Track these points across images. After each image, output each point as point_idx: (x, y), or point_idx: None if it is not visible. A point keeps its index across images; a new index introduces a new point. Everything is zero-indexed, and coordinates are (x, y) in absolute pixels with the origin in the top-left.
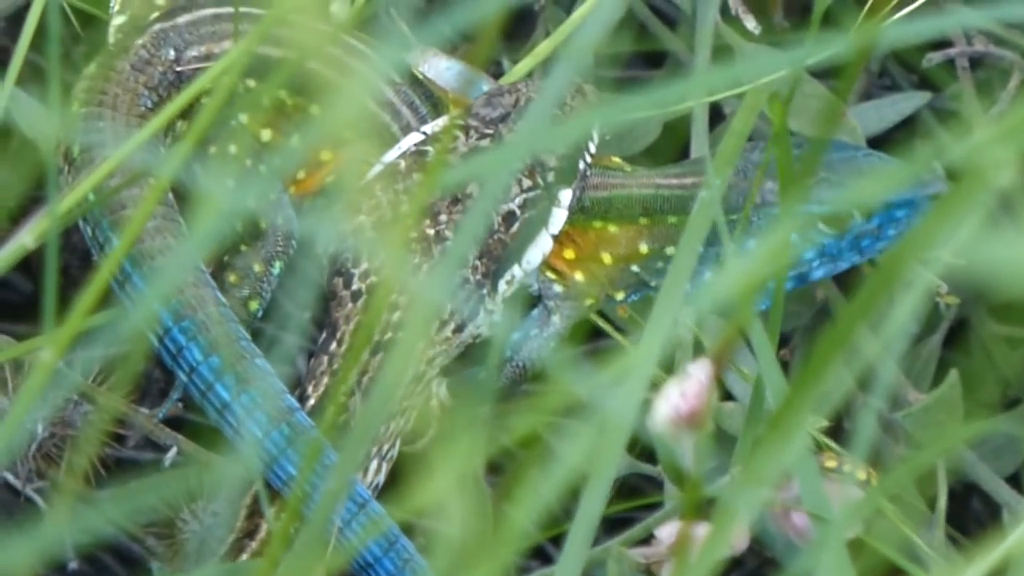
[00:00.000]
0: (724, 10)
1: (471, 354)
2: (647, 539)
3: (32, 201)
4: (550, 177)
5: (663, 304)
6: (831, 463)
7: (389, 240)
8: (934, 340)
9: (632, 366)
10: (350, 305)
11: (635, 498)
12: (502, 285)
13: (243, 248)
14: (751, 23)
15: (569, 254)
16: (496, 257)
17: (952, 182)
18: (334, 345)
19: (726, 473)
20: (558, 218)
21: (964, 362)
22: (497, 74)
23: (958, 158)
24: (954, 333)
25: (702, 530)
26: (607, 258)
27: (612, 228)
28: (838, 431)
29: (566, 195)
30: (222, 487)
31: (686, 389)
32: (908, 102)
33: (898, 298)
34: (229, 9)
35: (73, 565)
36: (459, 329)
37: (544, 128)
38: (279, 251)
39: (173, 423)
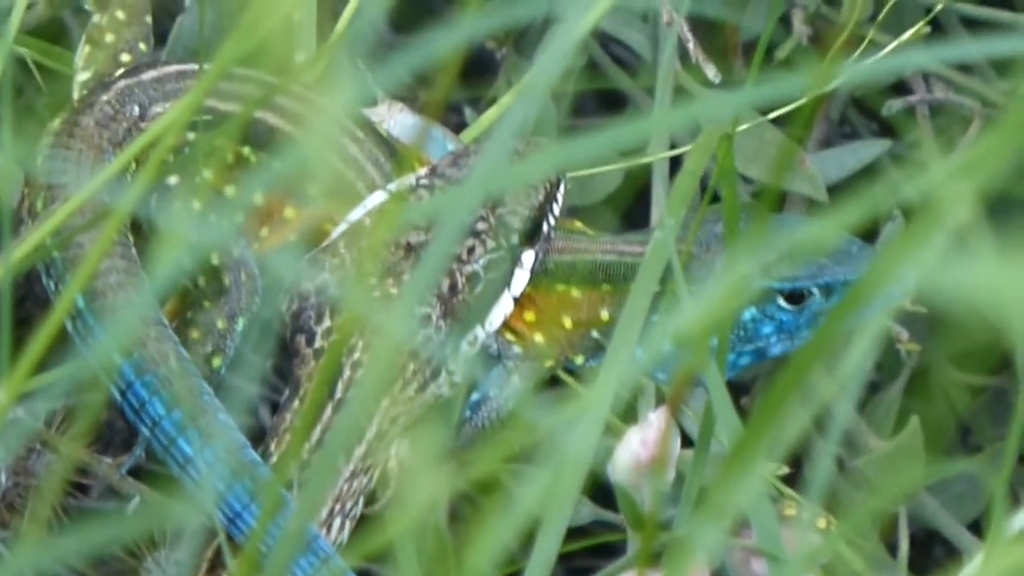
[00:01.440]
0: (684, 58)
1: (430, 414)
2: None
3: None
4: (513, 238)
5: (618, 342)
6: (790, 511)
7: (352, 298)
8: (895, 387)
9: (589, 405)
10: (312, 363)
11: (601, 547)
12: (464, 345)
13: (206, 304)
14: (711, 71)
15: (530, 316)
16: (459, 317)
17: (908, 220)
18: (296, 403)
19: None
20: (520, 279)
21: (925, 410)
22: (459, 123)
23: (914, 196)
24: (915, 381)
25: None
26: (568, 322)
27: (574, 292)
28: (798, 479)
29: (529, 257)
30: (185, 536)
31: (647, 436)
32: (868, 149)
33: (854, 340)
34: (194, 66)
35: None
36: (422, 388)
37: (500, 168)
38: (242, 308)
39: (135, 472)
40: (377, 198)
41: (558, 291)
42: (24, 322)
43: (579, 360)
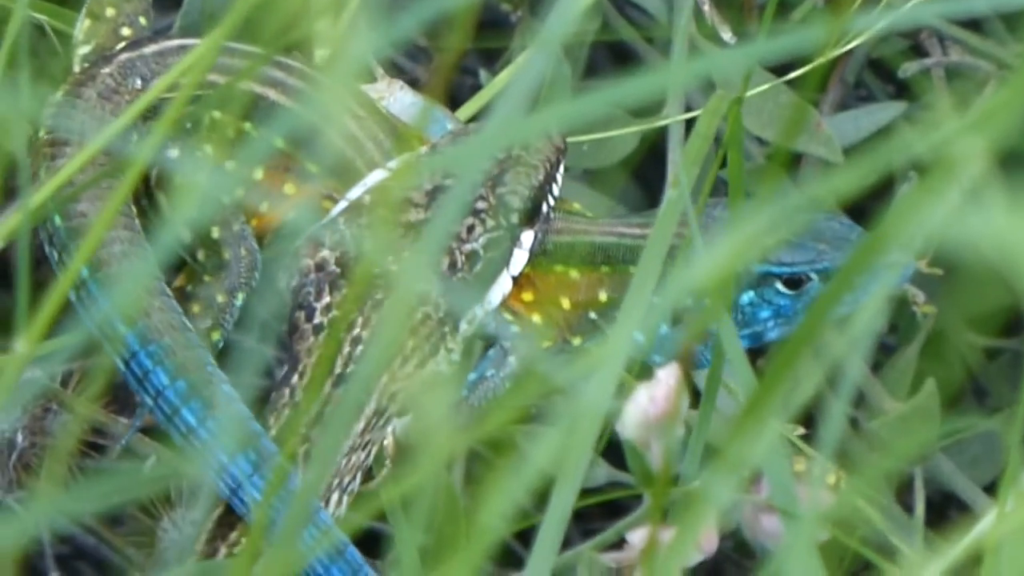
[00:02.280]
0: (699, 21)
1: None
2: (619, 543)
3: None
4: (513, 218)
5: (634, 293)
6: (800, 467)
7: (353, 274)
8: (911, 350)
9: (603, 358)
10: (312, 338)
11: (613, 508)
12: (463, 324)
13: (206, 279)
14: (726, 33)
15: (528, 296)
16: (459, 295)
17: (921, 176)
18: (296, 378)
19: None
20: (519, 259)
21: (941, 372)
22: (473, 85)
23: (927, 154)
24: (931, 343)
25: (667, 533)
26: (566, 303)
27: (573, 273)
28: (812, 442)
29: (528, 237)
30: (200, 496)
31: (655, 393)
32: (884, 112)
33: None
34: (196, 40)
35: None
36: (421, 365)
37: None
38: (242, 282)
39: (151, 431)
40: (377, 176)
41: (556, 272)
42: (42, 285)
43: (576, 341)
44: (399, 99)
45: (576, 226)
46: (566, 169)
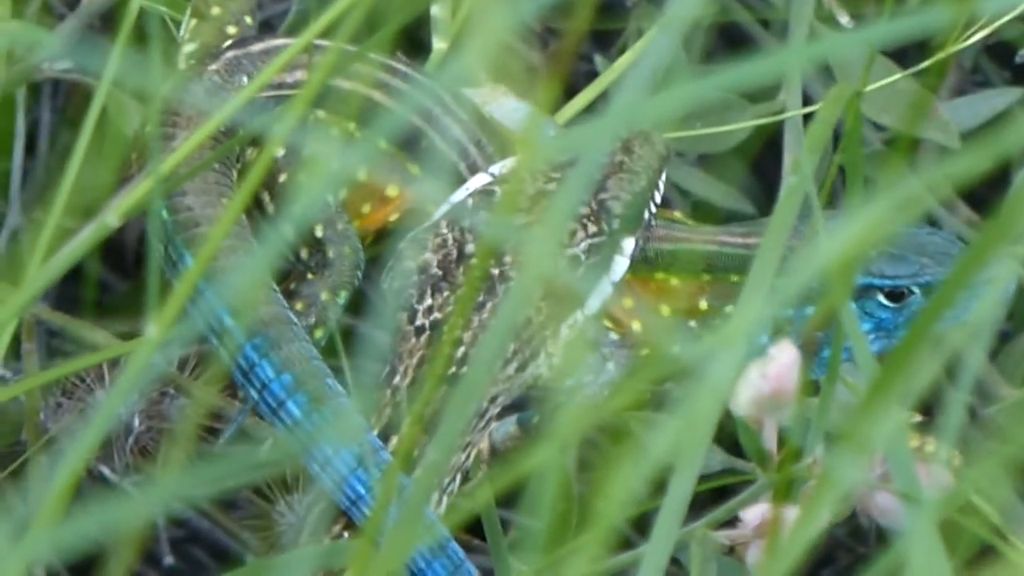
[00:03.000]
0: (817, 7)
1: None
2: (731, 521)
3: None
4: (615, 224)
5: (755, 279)
6: (916, 443)
7: (455, 278)
8: None
9: (729, 337)
10: (413, 340)
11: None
12: (564, 329)
13: (310, 276)
14: (844, 17)
15: (628, 303)
16: (560, 299)
17: None
18: (397, 378)
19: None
20: (620, 266)
21: None
22: (589, 71)
23: None
24: None
25: (791, 512)
26: (666, 311)
27: (673, 281)
28: (930, 430)
29: (629, 243)
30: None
31: (768, 371)
32: (1001, 98)
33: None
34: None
35: (168, 560)
36: (521, 368)
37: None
38: (345, 281)
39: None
40: (479, 181)
41: (657, 279)
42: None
43: (675, 350)
44: (501, 104)
45: (677, 233)
46: (681, 155)
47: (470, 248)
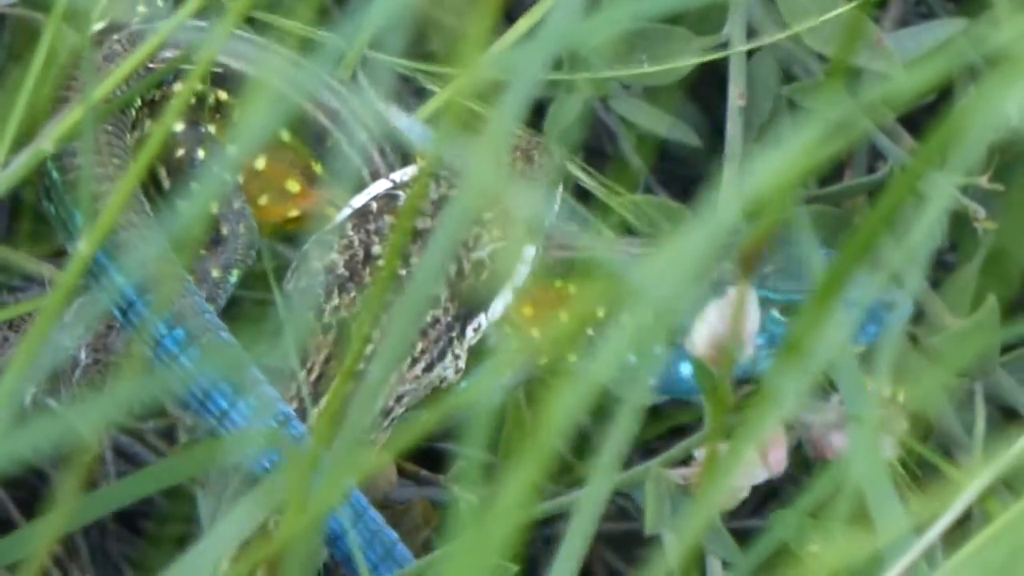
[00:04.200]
0: None
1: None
2: (686, 461)
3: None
4: (517, 231)
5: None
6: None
7: (363, 279)
8: (971, 267)
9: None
10: (320, 336)
11: (676, 432)
12: (469, 332)
13: (202, 252)
14: None
15: (527, 310)
16: (466, 302)
17: (989, 71)
18: (303, 374)
19: None
20: (521, 272)
21: (1002, 289)
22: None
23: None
24: (992, 261)
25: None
26: (563, 318)
27: (571, 289)
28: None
29: (530, 251)
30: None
31: (727, 312)
32: (944, 28)
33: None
34: (207, 23)
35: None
36: (428, 368)
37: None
38: (238, 259)
39: None
40: (380, 186)
41: (555, 287)
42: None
43: (573, 358)
44: (400, 120)
45: (577, 242)
46: (625, 87)
47: (376, 249)
